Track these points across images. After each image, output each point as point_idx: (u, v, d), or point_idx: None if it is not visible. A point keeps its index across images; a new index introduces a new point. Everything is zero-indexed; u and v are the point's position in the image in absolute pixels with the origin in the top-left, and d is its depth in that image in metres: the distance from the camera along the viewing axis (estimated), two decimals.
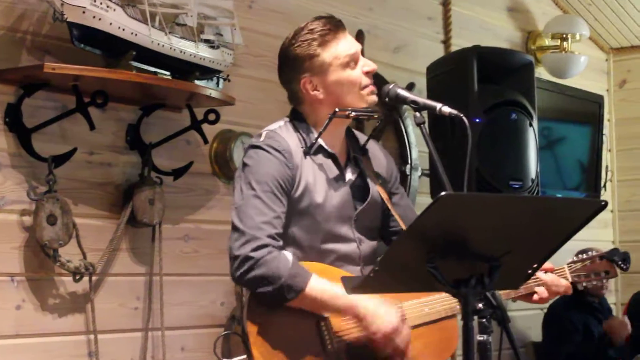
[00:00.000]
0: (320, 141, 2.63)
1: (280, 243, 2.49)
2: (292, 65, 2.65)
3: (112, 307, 3.37)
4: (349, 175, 2.69)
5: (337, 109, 2.59)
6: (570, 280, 2.80)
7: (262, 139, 2.61)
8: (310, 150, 2.61)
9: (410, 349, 2.55)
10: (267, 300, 2.47)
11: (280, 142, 2.59)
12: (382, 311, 2.50)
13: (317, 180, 2.60)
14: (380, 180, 2.75)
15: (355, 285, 2.31)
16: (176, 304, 3.56)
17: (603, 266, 2.84)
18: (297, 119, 2.68)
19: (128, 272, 3.43)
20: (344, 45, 2.63)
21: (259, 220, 2.47)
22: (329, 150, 2.65)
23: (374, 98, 2.66)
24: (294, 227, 2.59)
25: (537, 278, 2.73)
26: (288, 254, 2.48)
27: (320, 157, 2.64)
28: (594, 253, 2.87)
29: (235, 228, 2.49)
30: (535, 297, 2.73)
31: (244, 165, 2.58)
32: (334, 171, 2.65)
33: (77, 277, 3.20)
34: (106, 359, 3.30)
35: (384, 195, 2.72)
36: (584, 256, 2.84)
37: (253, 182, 2.52)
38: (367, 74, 2.65)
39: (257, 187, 2.51)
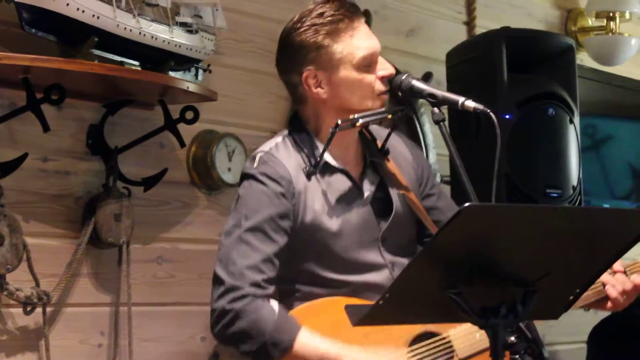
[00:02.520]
0: (327, 157, 2.66)
1: (268, 291, 2.54)
2: (295, 53, 2.68)
3: (70, 344, 3.36)
4: (367, 188, 2.72)
5: (339, 121, 2.60)
6: None
7: (255, 164, 2.65)
8: (315, 170, 2.65)
9: None
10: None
11: (276, 167, 2.63)
12: None
13: (327, 205, 2.65)
14: (406, 185, 2.76)
15: (361, 317, 2.31)
16: (148, 339, 3.56)
17: None
18: (297, 130, 2.72)
19: (90, 301, 3.43)
20: (361, 40, 2.66)
21: (243, 265, 2.53)
22: (337, 166, 2.68)
23: (381, 104, 2.69)
24: (310, 263, 2.64)
25: (600, 281, 2.71)
26: (274, 303, 2.53)
27: (328, 176, 2.67)
28: None
29: (215, 276, 2.57)
30: (609, 304, 2.72)
31: (237, 197, 2.66)
32: (348, 189, 2.68)
33: (29, 309, 3.20)
34: None
35: (414, 202, 2.75)
36: None
37: (242, 220, 2.59)
38: (383, 79, 2.67)
39: (245, 225, 2.58)
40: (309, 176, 2.64)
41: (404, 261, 2.70)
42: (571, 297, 2.30)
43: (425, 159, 2.91)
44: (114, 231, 3.39)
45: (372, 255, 2.67)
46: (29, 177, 3.27)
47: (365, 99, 2.65)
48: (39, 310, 3.22)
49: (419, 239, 2.82)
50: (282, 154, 2.67)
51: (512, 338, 2.30)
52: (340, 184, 2.67)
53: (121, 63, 3.28)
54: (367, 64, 2.65)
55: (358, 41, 2.65)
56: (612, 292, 2.71)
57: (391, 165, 2.78)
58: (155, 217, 3.62)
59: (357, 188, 2.69)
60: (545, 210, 2.50)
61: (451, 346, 2.62)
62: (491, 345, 2.13)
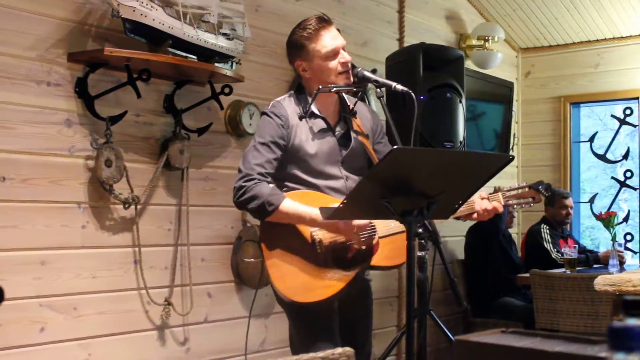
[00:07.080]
0: (313, 108, 2.67)
1: (268, 179, 2.55)
2: (291, 49, 2.69)
3: (151, 228, 3.38)
4: (337, 131, 2.71)
5: (320, 87, 2.60)
6: (503, 203, 2.73)
7: (269, 107, 2.68)
8: (306, 115, 2.65)
9: (374, 239, 2.58)
10: (256, 215, 2.54)
11: (280, 109, 2.65)
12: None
13: (309, 136, 2.64)
14: (364, 134, 2.75)
15: (329, 213, 2.36)
16: (198, 227, 3.57)
17: (530, 194, 2.77)
18: (299, 91, 2.72)
19: (164, 202, 3.44)
20: (327, 41, 2.63)
21: (253, 162, 2.56)
22: (319, 114, 2.69)
23: (345, 80, 2.66)
24: (296, 170, 2.64)
25: (473, 202, 2.66)
26: (271, 185, 2.54)
27: (313, 120, 2.67)
28: (524, 184, 2.80)
29: (238, 168, 2.59)
30: (475, 215, 2.68)
31: (258, 126, 2.68)
32: (324, 129, 2.68)
33: (126, 206, 3.22)
34: (147, 265, 3.33)
35: (367, 145, 2.73)
36: (516, 185, 2.78)
37: (256, 137, 2.62)
38: (342, 64, 2.65)
39: (257, 140, 2.60)
40: (300, 118, 2.64)
41: (354, 177, 2.70)
42: (456, 206, 2.34)
43: (379, 120, 2.90)
44: (179, 160, 3.39)
45: (334, 170, 2.66)
46: (127, 126, 3.27)
47: (331, 77, 2.63)
48: (132, 207, 3.25)
49: (369, 168, 2.80)
50: (286, 103, 2.68)
51: (420, 230, 2.31)
52: (318, 125, 2.67)
53: (186, 57, 3.27)
54: (331, 56, 2.63)
55: (325, 42, 2.63)
56: (479, 208, 2.66)
57: (357, 121, 2.77)
58: (204, 152, 3.61)
59: (330, 129, 2.69)
60: (443, 152, 2.60)
61: (374, 227, 2.62)
62: (407, 233, 2.14)
